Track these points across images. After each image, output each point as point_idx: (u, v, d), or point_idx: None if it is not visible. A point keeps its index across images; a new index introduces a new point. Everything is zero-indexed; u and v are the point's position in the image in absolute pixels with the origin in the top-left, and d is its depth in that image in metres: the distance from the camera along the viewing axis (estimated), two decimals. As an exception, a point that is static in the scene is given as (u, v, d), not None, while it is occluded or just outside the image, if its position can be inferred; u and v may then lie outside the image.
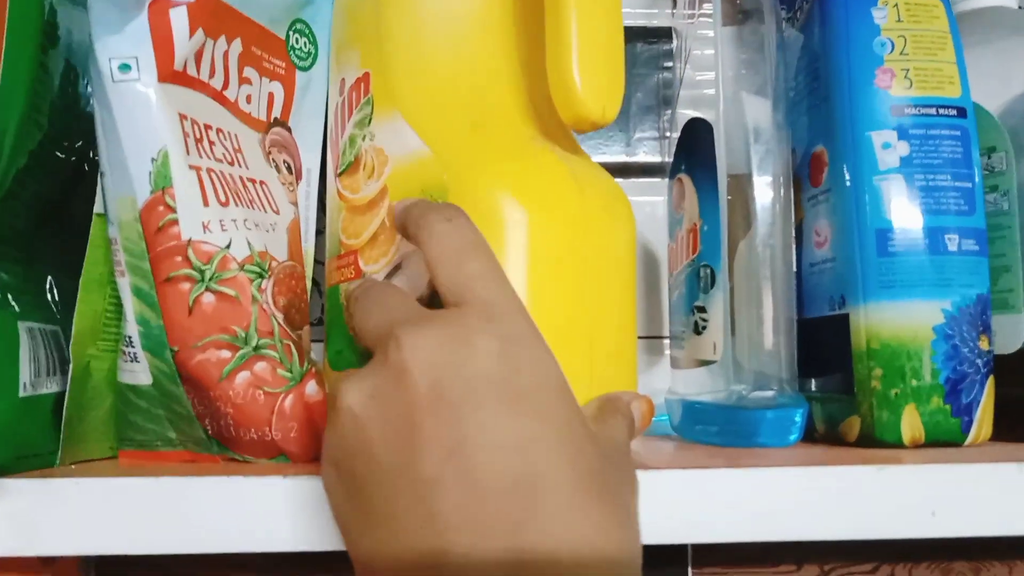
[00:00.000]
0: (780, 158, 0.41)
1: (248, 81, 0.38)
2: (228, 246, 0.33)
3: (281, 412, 0.33)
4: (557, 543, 0.22)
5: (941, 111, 0.39)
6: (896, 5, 0.40)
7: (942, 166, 0.38)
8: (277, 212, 0.38)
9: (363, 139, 0.36)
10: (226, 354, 0.32)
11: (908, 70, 0.39)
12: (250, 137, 0.38)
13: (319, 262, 0.48)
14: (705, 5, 0.46)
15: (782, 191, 0.41)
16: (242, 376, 0.32)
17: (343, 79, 0.38)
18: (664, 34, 0.52)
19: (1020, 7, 0.54)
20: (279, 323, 0.34)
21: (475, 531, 0.22)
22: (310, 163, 0.42)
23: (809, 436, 0.41)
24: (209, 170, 0.34)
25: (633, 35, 0.53)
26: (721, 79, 0.43)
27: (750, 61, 0.44)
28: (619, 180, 0.41)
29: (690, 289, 0.42)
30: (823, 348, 0.40)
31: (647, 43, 0.52)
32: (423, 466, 0.22)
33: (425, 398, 0.23)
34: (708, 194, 0.40)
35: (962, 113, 0.39)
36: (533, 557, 0.22)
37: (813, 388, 0.42)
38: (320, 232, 0.41)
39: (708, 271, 0.40)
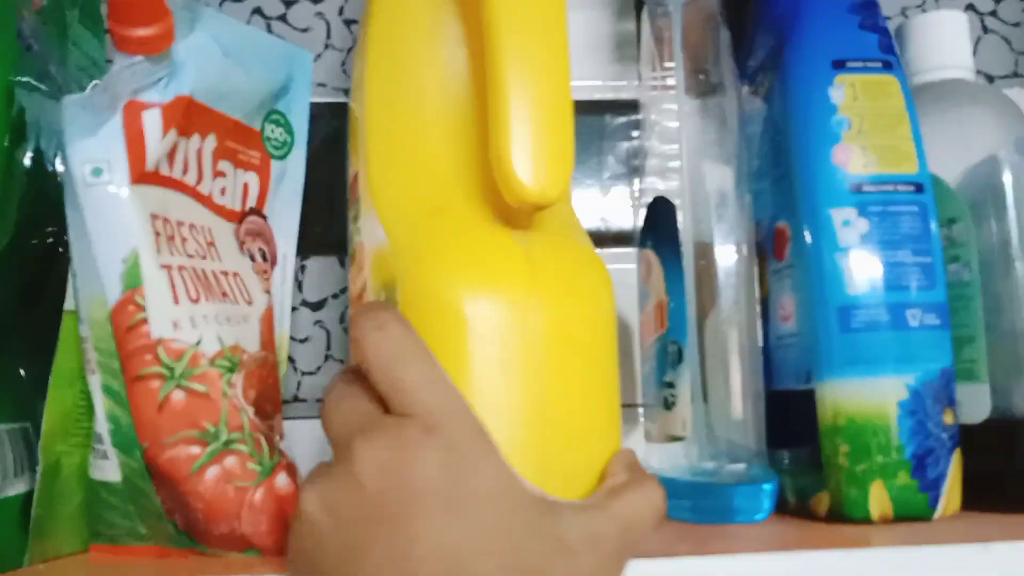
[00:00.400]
0: (743, 230, 0.42)
1: (222, 174, 0.39)
2: (198, 343, 0.34)
3: (251, 506, 0.33)
4: None
5: (899, 187, 0.40)
6: (853, 84, 0.41)
7: (902, 242, 0.39)
8: (250, 303, 0.38)
9: (356, 235, 0.37)
10: (196, 450, 0.33)
11: (866, 148, 0.40)
12: (224, 229, 0.39)
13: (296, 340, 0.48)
14: (669, 79, 0.47)
15: (745, 263, 0.41)
16: (212, 471, 0.33)
17: (350, 178, 0.39)
18: (633, 105, 0.53)
19: (982, 73, 0.55)
20: (249, 416, 0.34)
21: None
22: (285, 248, 0.43)
23: (782, 507, 0.41)
24: (180, 267, 0.34)
25: (602, 107, 0.54)
26: (685, 152, 0.44)
27: (715, 132, 0.45)
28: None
29: (659, 364, 0.42)
30: (792, 422, 0.41)
31: (616, 114, 0.53)
32: (365, 573, 0.24)
33: (371, 508, 0.25)
34: (673, 272, 0.41)
35: (920, 188, 0.40)
36: None
37: (785, 460, 0.42)
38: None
39: (675, 347, 0.41)
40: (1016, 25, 0.56)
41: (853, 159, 0.40)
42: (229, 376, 0.34)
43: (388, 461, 0.25)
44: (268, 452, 0.34)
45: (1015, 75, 0.56)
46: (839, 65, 0.41)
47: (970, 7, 0.56)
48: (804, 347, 0.40)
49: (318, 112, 0.51)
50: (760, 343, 0.43)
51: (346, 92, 0.53)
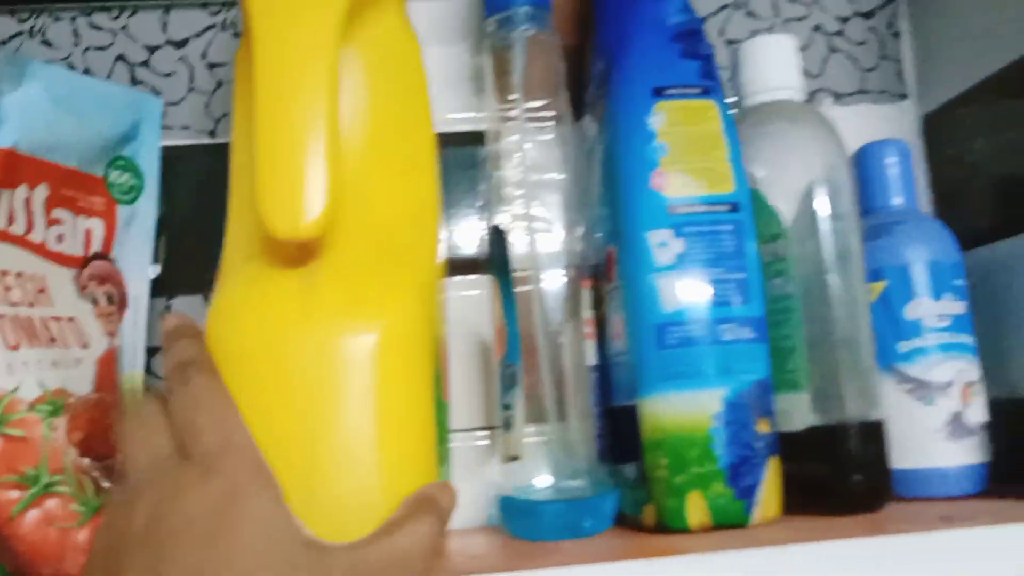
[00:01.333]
0: (572, 255, 0.44)
1: (58, 221, 0.40)
2: (15, 389, 0.35)
3: (75, 546, 0.34)
4: None
5: (714, 208, 0.41)
6: (671, 110, 0.43)
7: (716, 260, 0.41)
8: (86, 346, 0.39)
9: None
10: (15, 494, 0.34)
11: (682, 171, 0.42)
12: (60, 275, 0.40)
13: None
14: (513, 110, 0.48)
15: (572, 287, 0.43)
16: (32, 514, 0.34)
17: None
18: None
19: (830, 91, 0.58)
20: (72, 458, 0.35)
21: None
22: (137, 291, 0.44)
23: (624, 521, 0.42)
24: (0, 316, 0.35)
25: (472, 138, 0.55)
26: (525, 181, 0.45)
27: (555, 161, 0.47)
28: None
29: (502, 387, 0.44)
30: (625, 437, 0.42)
31: (472, 146, 0.55)
32: None
33: (136, 539, 0.26)
34: (508, 298, 0.43)
35: (735, 208, 0.42)
36: None
37: (623, 475, 0.43)
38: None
39: (511, 370, 0.42)
40: (861, 44, 0.58)
41: (669, 183, 0.41)
42: (51, 420, 0.35)
43: (161, 502, 0.27)
44: (93, 492, 0.35)
45: (862, 92, 0.58)
46: (659, 92, 0.43)
47: (817, 28, 0.58)
48: (629, 365, 0.42)
49: (181, 154, 0.52)
50: (593, 362, 0.44)
51: (211, 134, 0.54)
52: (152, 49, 0.54)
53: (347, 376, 0.33)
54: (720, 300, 0.40)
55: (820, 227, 0.43)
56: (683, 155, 0.42)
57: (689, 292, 0.40)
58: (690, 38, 0.45)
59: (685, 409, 0.39)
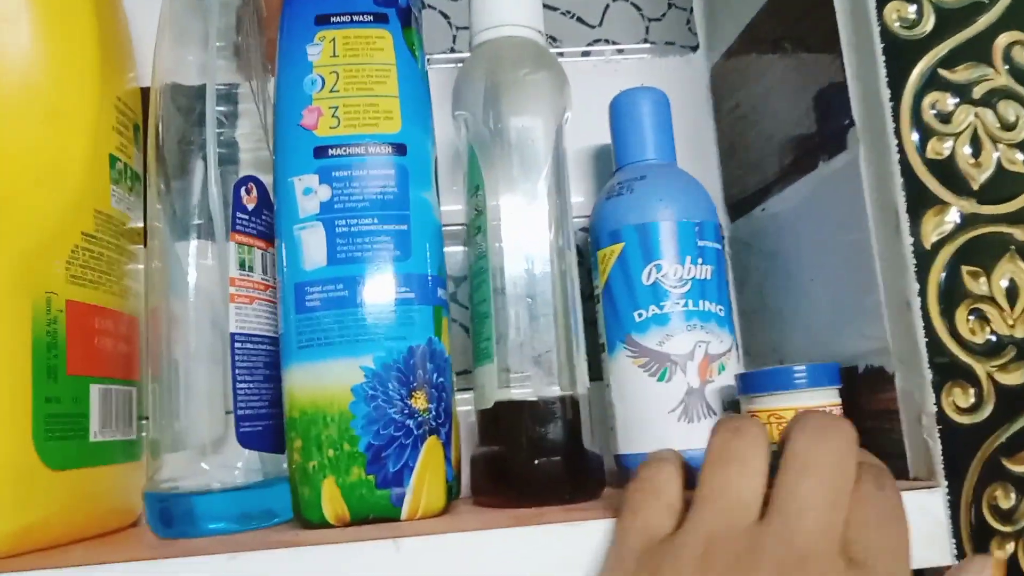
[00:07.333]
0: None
1: None
2: None
3: None
4: None
5: (372, 149, 0.35)
6: (333, 40, 0.37)
7: (368, 209, 0.35)
8: None
9: None
10: None
11: (337, 107, 0.36)
12: None
13: None
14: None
15: (218, 247, 0.37)
16: None
17: None
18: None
19: (611, 42, 0.52)
20: None
21: None
22: None
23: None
24: None
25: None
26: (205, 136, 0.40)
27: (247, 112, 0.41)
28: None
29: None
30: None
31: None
32: None
33: None
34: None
35: (400, 150, 0.36)
36: None
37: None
38: None
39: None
40: (645, -11, 0.53)
41: (321, 120, 0.35)
42: None
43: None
44: None
45: (646, 42, 0.52)
46: (323, 20, 0.37)
47: (597, -27, 0.52)
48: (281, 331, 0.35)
49: None
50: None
51: None
52: None
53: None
54: (370, 256, 0.34)
55: (516, 180, 0.37)
56: (341, 89, 0.36)
57: (333, 246, 0.34)
58: (369, -41, 0.39)
59: (321, 382, 0.33)
